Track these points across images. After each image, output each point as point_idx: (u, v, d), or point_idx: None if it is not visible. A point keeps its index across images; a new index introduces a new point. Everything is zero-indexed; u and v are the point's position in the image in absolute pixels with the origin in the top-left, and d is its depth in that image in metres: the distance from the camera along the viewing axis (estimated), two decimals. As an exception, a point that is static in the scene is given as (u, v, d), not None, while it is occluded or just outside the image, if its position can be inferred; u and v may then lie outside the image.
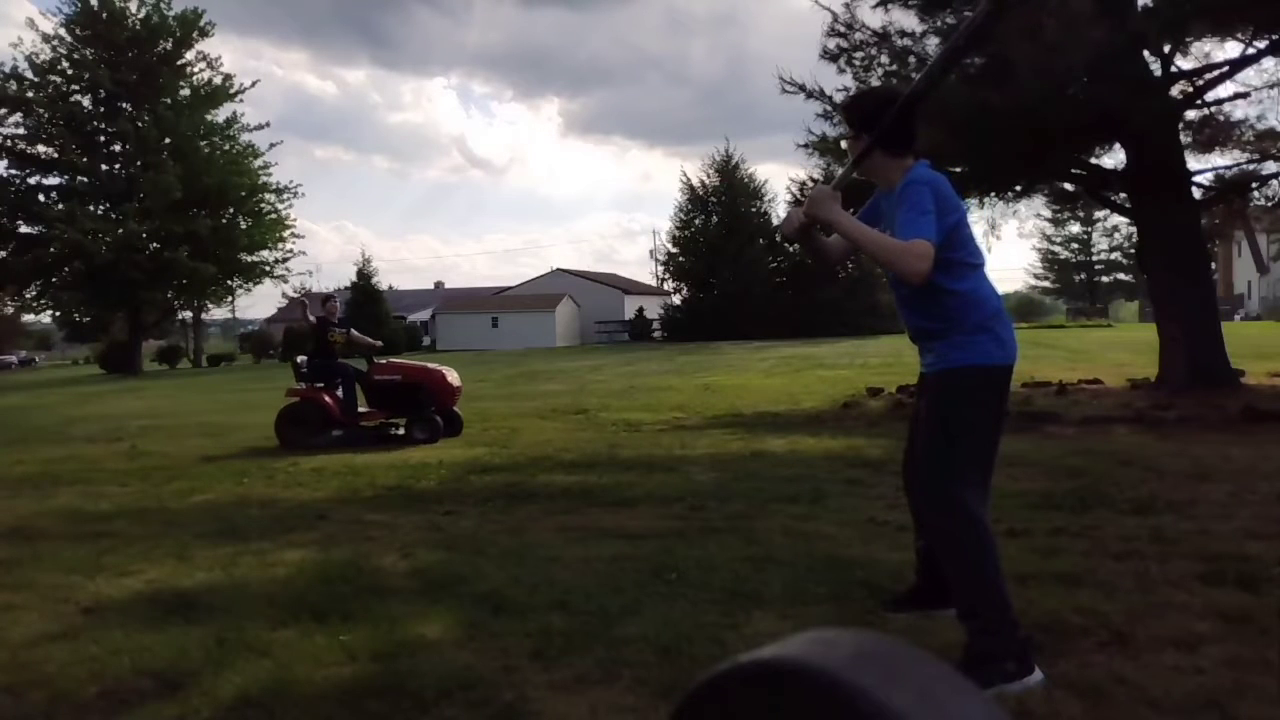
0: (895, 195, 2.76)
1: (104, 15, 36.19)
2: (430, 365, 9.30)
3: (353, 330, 9.61)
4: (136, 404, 16.65)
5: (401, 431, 8.90)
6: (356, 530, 4.94)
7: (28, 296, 38.86)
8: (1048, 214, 57.99)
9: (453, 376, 9.06)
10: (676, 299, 48.66)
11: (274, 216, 39.99)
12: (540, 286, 52.16)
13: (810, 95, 10.92)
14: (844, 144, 3.09)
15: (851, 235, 2.74)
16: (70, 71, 36.71)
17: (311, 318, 9.46)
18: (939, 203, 2.66)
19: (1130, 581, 3.42)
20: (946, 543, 2.75)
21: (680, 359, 24.68)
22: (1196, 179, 10.74)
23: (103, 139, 37.70)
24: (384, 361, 9.31)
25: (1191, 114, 10.44)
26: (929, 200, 2.64)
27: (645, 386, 15.51)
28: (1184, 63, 10.27)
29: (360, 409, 9.10)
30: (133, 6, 37.03)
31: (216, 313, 49.26)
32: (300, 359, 9.45)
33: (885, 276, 2.93)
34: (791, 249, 43.98)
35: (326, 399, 8.91)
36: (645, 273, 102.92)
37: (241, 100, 42.36)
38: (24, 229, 36.80)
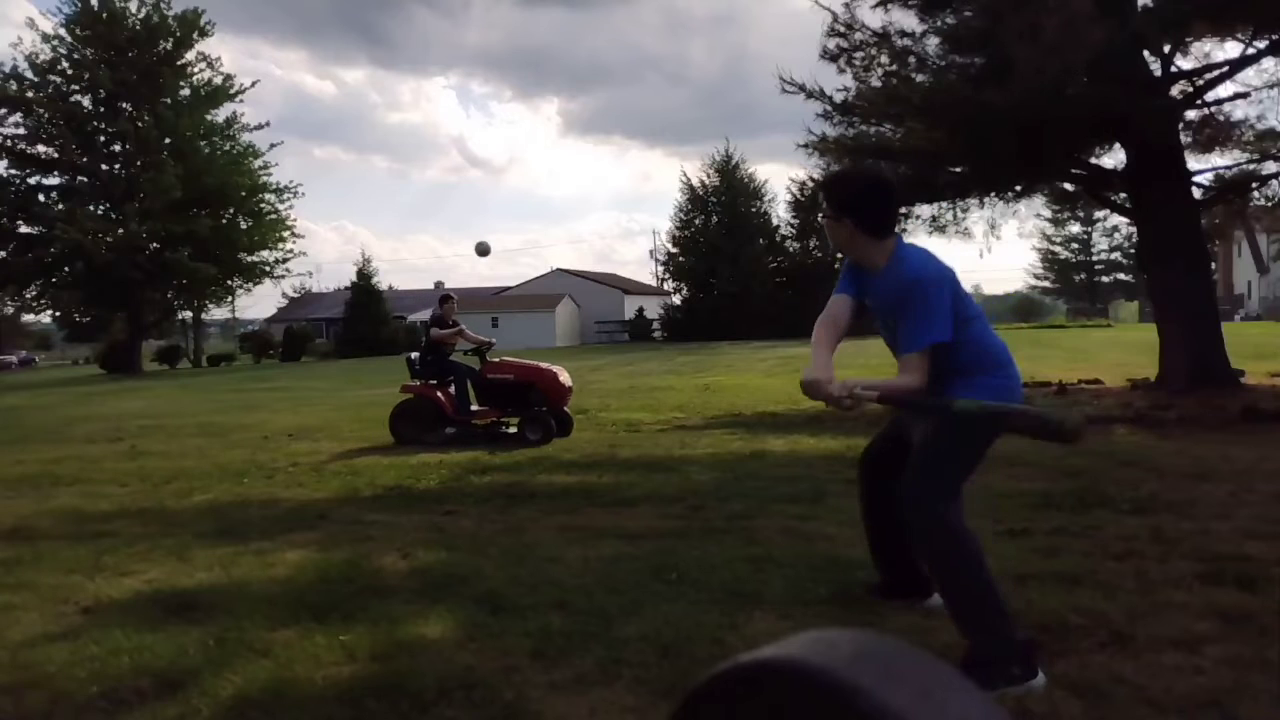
0: (892, 281, 2.78)
1: (104, 15, 36.18)
2: (543, 365, 9.15)
3: (465, 329, 9.47)
4: (136, 404, 16.65)
5: (514, 431, 8.79)
6: (356, 530, 4.94)
7: (28, 296, 38.91)
8: (1048, 214, 57.99)
9: (565, 376, 8.91)
10: (676, 299, 48.61)
11: (274, 216, 40.02)
12: (540, 286, 52.14)
13: (810, 95, 10.92)
14: (822, 219, 3.09)
15: (883, 399, 2.78)
16: (70, 71, 36.71)
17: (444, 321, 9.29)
18: (955, 293, 2.74)
19: (1130, 581, 3.42)
20: (937, 561, 2.82)
21: (680, 359, 24.67)
22: (1196, 179, 10.75)
23: (103, 139, 37.70)
24: (497, 360, 9.19)
25: (1191, 114, 10.44)
26: (948, 299, 2.71)
27: (645, 386, 15.51)
28: (1184, 63, 10.29)
29: (473, 407, 9.00)
30: (133, 6, 37.06)
31: (216, 313, 49.25)
32: (413, 355, 9.38)
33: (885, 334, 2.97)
34: (792, 250, 44.08)
35: (440, 396, 8.84)
36: (645, 273, 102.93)
37: (241, 100, 42.35)
38: (24, 229, 36.84)
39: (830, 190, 2.95)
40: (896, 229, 2.95)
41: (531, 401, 8.73)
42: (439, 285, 66.79)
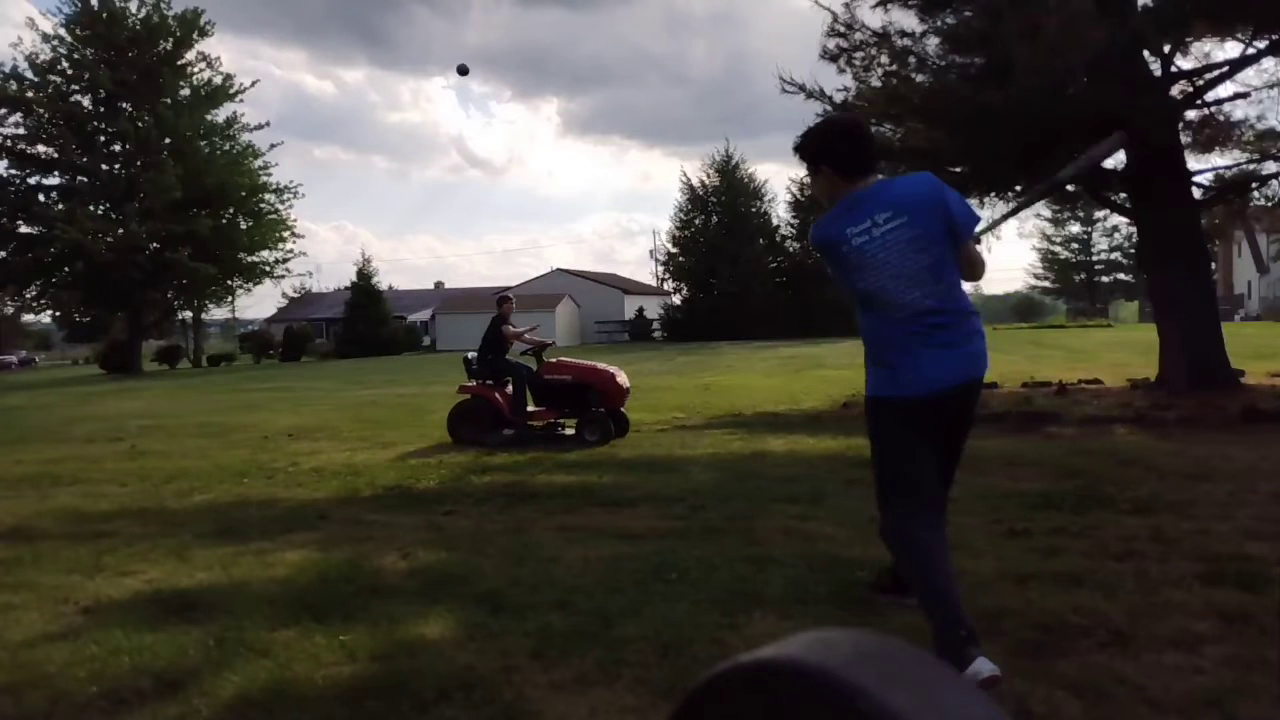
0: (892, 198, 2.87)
1: (104, 15, 36.17)
2: (600, 365, 9.06)
3: (524, 331, 9.40)
4: (136, 404, 16.65)
5: (571, 432, 8.71)
6: (356, 530, 4.94)
7: (28, 296, 38.89)
8: (1048, 214, 58.15)
9: (622, 378, 8.82)
10: (676, 299, 48.63)
11: (274, 216, 40.03)
12: (540, 286, 52.12)
13: (810, 95, 10.91)
14: (805, 180, 3.22)
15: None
16: (70, 71, 36.71)
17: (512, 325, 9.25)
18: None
19: (1130, 581, 3.42)
20: (897, 559, 2.96)
21: (680, 359, 24.67)
22: (1196, 179, 10.74)
23: (103, 139, 37.70)
24: (554, 361, 9.11)
25: (1191, 114, 10.43)
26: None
27: (645, 386, 15.50)
28: (1184, 63, 10.28)
29: (529, 408, 8.93)
30: (133, 6, 37.06)
31: (216, 313, 49.22)
32: (470, 355, 9.30)
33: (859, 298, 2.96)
34: (792, 250, 44.03)
35: (497, 396, 8.77)
36: (645, 273, 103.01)
37: (241, 100, 42.42)
38: (24, 229, 36.83)
39: (801, 147, 3.04)
40: (876, 170, 2.99)
41: (589, 402, 8.62)
42: (439, 285, 66.81)
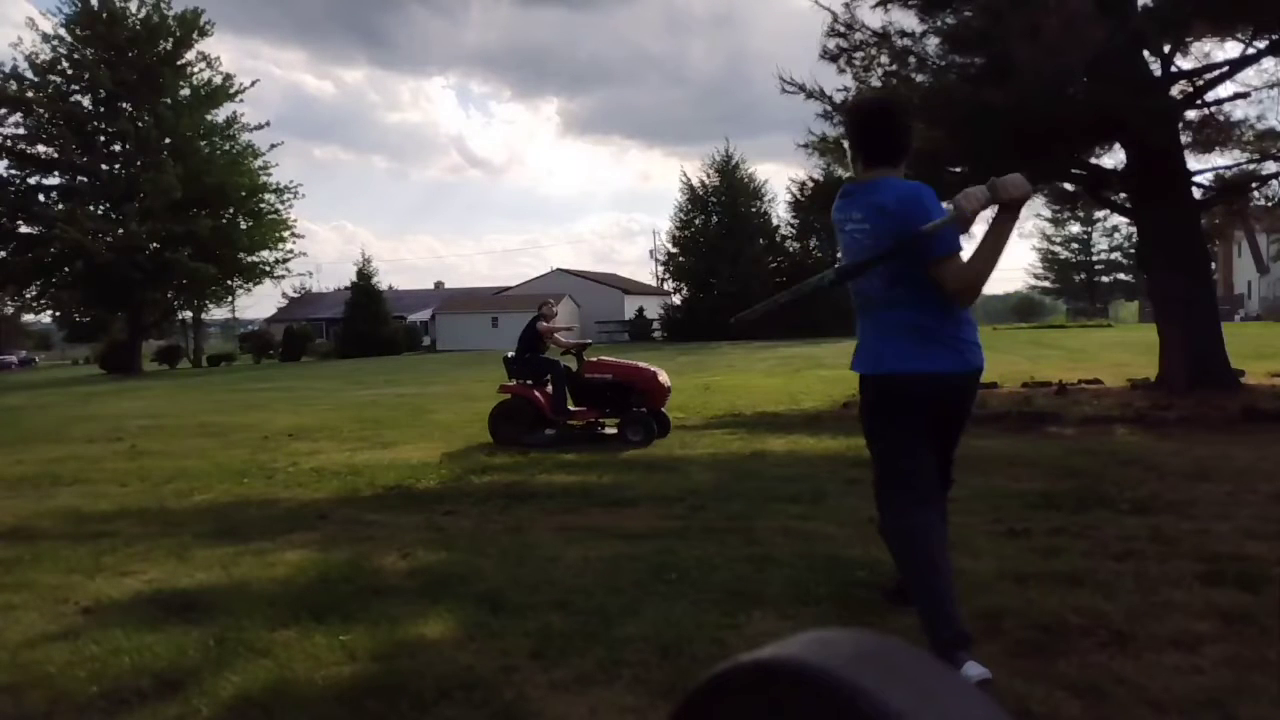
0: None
1: (104, 15, 36.19)
2: (642, 364, 8.96)
3: (560, 334, 9.33)
4: (136, 404, 16.65)
5: (612, 432, 8.62)
6: (356, 530, 4.94)
7: (28, 296, 38.91)
8: (1048, 214, 58.10)
9: (664, 377, 8.74)
10: (676, 299, 48.65)
11: (274, 216, 40.05)
12: (540, 287, 52.06)
13: (810, 95, 10.91)
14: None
15: (1003, 241, 2.72)
16: (70, 71, 36.73)
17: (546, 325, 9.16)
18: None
19: (1130, 581, 3.42)
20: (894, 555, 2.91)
21: (680, 359, 24.68)
22: (1196, 179, 10.74)
23: (103, 139, 37.72)
24: (595, 360, 9.02)
25: (1191, 114, 10.43)
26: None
27: (645, 386, 15.48)
28: (1184, 63, 10.27)
29: (569, 407, 8.83)
30: (133, 6, 37.09)
31: (216, 313, 49.24)
32: (510, 354, 9.20)
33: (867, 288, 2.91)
34: (792, 250, 44.08)
35: (538, 395, 8.68)
36: (645, 273, 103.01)
37: (241, 100, 42.47)
38: (24, 229, 36.85)
39: (844, 121, 3.07)
40: (903, 161, 2.89)
41: (630, 402, 8.54)
42: (439, 285, 66.82)
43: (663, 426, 8.61)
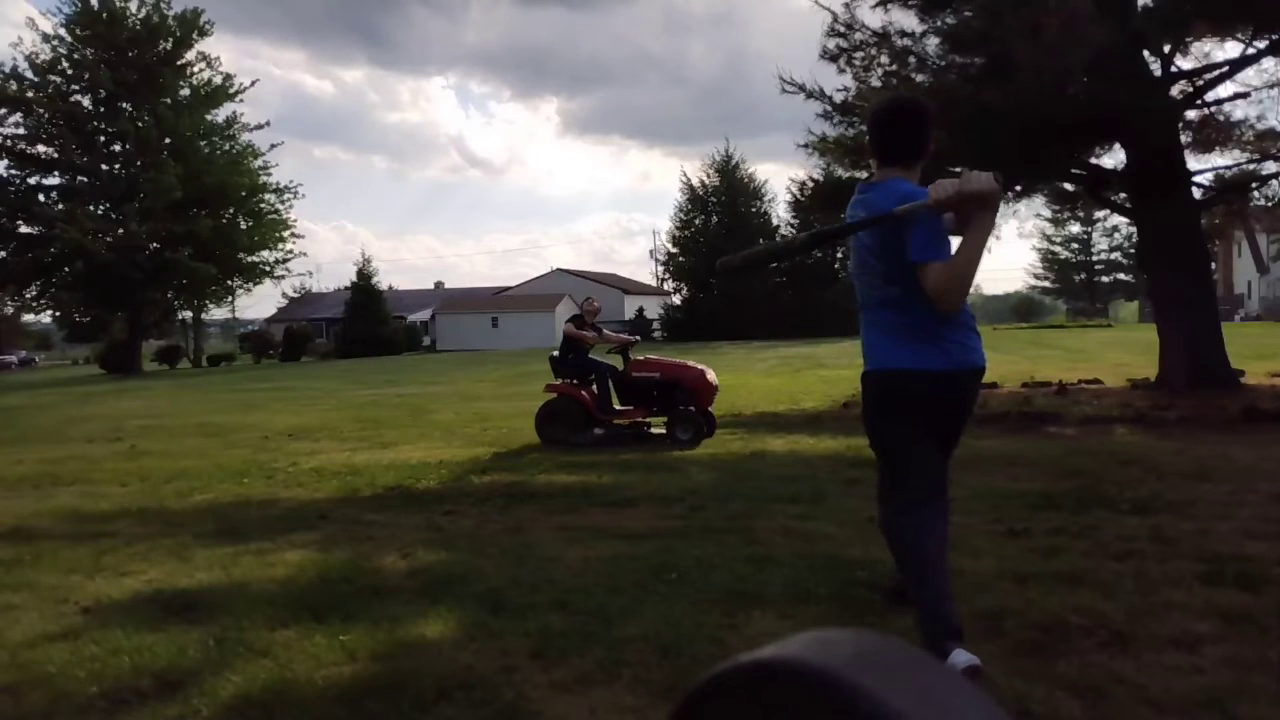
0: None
1: (104, 15, 36.20)
2: (689, 363, 8.82)
3: (604, 329, 9.26)
4: (136, 404, 16.65)
5: (660, 431, 8.48)
6: (356, 530, 4.94)
7: (28, 296, 38.90)
8: (1048, 214, 58.02)
9: (712, 375, 8.60)
10: (676, 299, 48.67)
11: (274, 216, 40.08)
12: (540, 286, 52.18)
13: (810, 95, 10.91)
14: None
15: (980, 244, 2.64)
16: (70, 71, 36.73)
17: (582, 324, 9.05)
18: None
19: (1130, 581, 3.42)
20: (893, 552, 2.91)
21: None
22: (1196, 179, 10.74)
23: (103, 139, 37.72)
24: (642, 358, 8.91)
25: (1191, 114, 10.44)
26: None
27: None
28: (1184, 63, 10.28)
29: (615, 406, 8.75)
30: (133, 6, 37.09)
31: (216, 313, 49.25)
32: (555, 354, 9.14)
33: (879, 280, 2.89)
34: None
35: (585, 395, 8.58)
36: (645, 273, 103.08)
37: (241, 100, 42.54)
38: (24, 229, 36.85)
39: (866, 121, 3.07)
40: (915, 163, 2.87)
41: (677, 400, 8.40)
42: (439, 285, 66.85)
43: (710, 425, 8.45)
